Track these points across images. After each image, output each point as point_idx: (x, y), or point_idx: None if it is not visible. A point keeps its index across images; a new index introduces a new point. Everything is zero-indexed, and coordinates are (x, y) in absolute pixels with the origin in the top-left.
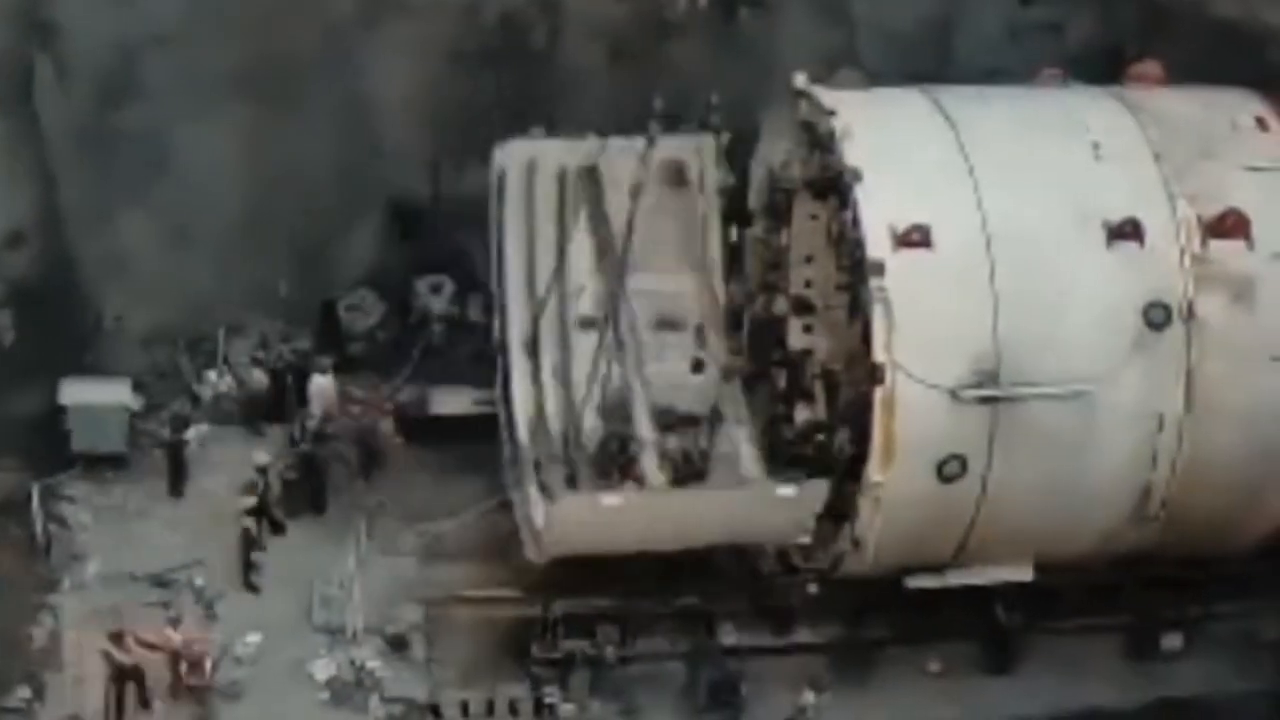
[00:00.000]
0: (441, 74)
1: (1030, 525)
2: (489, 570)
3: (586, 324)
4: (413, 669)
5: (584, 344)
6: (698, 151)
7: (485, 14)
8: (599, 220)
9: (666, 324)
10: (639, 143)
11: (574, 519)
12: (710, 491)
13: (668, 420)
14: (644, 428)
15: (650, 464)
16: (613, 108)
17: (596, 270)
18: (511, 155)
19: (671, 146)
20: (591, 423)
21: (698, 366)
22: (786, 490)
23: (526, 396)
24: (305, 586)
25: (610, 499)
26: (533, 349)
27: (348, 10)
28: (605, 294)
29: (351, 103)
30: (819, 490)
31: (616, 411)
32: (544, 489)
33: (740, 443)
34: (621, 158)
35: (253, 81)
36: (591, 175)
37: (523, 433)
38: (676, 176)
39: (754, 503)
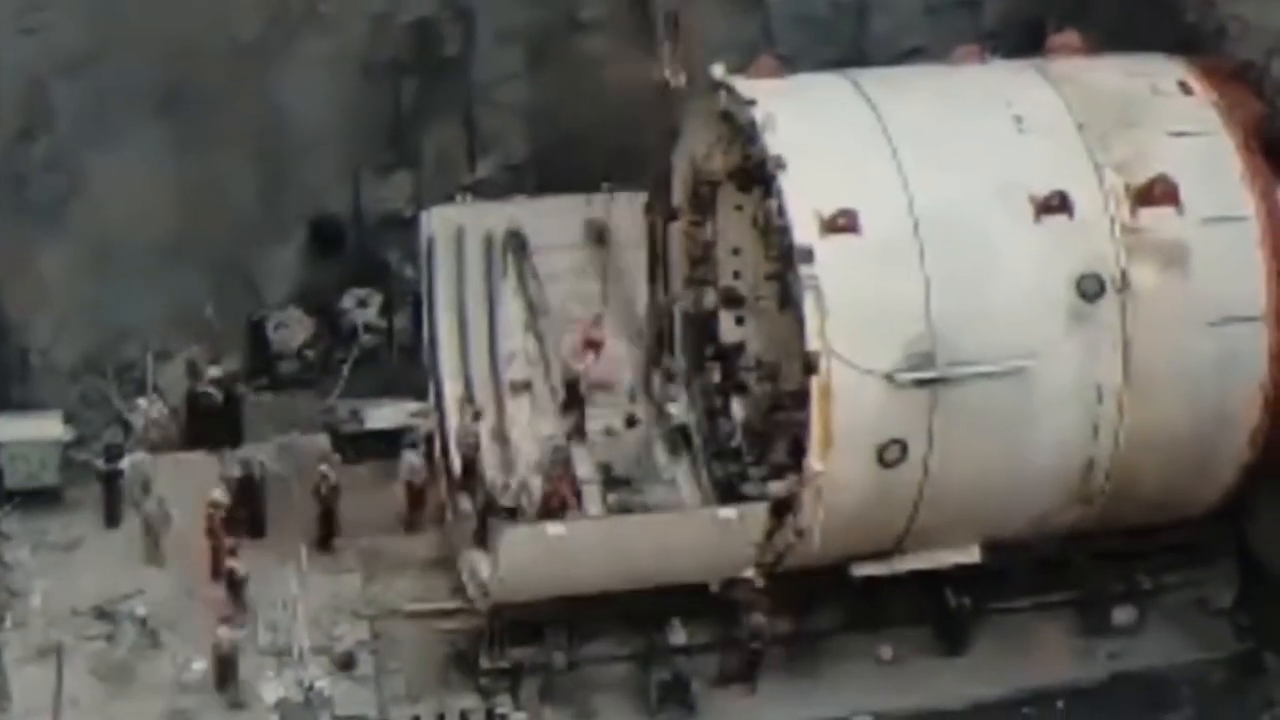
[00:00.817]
0: (356, 86)
1: (975, 506)
2: (433, 583)
3: (519, 388)
4: (361, 686)
5: (518, 406)
6: (623, 210)
7: (396, 23)
8: (526, 283)
9: (599, 384)
10: (563, 201)
11: (522, 553)
12: (652, 516)
13: (607, 478)
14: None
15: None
16: (533, 109)
17: (526, 333)
18: (438, 221)
19: (596, 205)
20: (532, 482)
21: (631, 423)
22: (727, 512)
23: None
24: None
25: (555, 528)
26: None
27: (258, 27)
28: (537, 356)
29: (268, 120)
30: (758, 514)
31: (556, 471)
32: (484, 538)
33: (679, 476)
34: (546, 219)
35: (166, 104)
36: (517, 239)
37: (462, 496)
38: (599, 236)
39: (696, 526)
